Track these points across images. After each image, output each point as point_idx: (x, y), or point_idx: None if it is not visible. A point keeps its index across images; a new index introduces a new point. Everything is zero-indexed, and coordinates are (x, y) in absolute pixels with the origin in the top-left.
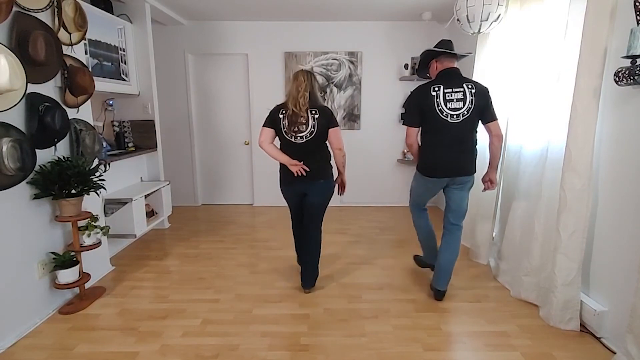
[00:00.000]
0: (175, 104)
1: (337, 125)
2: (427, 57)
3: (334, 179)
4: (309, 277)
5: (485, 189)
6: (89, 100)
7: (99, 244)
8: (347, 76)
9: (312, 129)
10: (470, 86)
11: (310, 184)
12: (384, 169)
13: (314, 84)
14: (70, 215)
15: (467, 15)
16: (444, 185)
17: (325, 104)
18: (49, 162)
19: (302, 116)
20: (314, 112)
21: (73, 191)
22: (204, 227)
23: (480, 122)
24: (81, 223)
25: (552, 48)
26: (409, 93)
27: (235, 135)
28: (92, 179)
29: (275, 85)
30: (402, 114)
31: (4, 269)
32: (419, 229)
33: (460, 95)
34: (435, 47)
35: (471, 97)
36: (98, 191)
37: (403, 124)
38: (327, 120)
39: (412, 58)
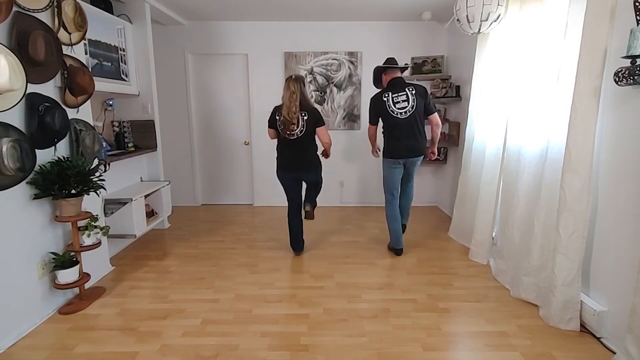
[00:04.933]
0: (175, 104)
1: (324, 124)
2: (378, 72)
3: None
4: (311, 202)
5: (429, 159)
6: (89, 101)
7: (98, 244)
8: (347, 76)
9: (302, 128)
10: (411, 89)
11: (303, 173)
12: None
13: (303, 90)
14: (70, 215)
15: (467, 16)
16: (403, 164)
17: (323, 104)
18: (49, 162)
19: (293, 123)
20: (303, 114)
21: (73, 191)
22: (204, 227)
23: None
24: (81, 223)
25: (551, 48)
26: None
27: (235, 135)
28: (92, 179)
29: (275, 85)
30: None
31: (4, 269)
32: (389, 218)
33: (404, 97)
34: (382, 64)
35: (413, 97)
36: (98, 191)
37: (368, 122)
38: (314, 120)
39: (412, 58)
